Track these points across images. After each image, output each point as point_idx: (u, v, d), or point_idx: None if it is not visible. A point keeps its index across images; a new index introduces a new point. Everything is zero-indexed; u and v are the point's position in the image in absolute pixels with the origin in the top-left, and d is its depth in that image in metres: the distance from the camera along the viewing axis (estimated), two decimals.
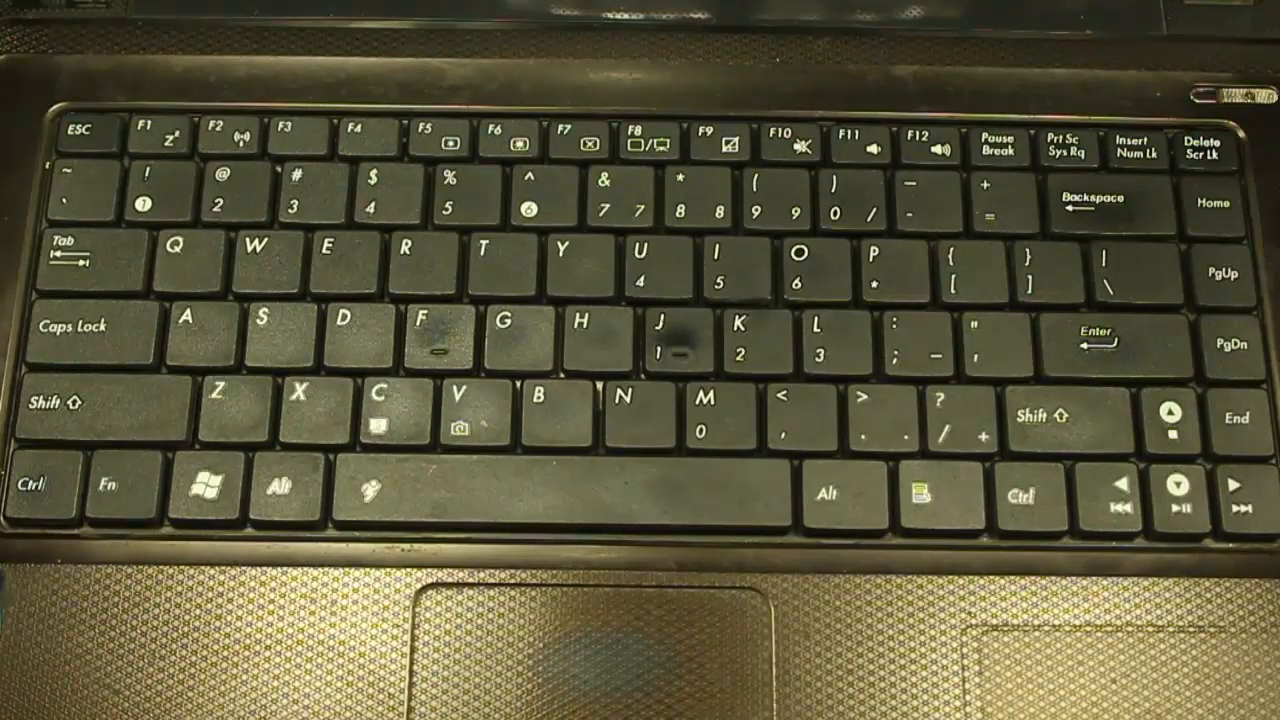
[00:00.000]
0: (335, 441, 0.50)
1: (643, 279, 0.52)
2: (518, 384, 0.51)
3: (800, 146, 0.54)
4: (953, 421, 0.50)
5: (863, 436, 0.50)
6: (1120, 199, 0.53)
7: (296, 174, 0.53)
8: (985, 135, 0.54)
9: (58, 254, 0.52)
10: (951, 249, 0.52)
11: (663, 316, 0.51)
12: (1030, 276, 0.52)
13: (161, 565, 0.49)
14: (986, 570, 0.49)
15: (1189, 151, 0.54)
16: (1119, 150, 0.54)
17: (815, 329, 0.51)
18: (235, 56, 0.55)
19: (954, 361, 0.51)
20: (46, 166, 0.53)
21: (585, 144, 0.54)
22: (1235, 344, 0.51)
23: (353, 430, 0.50)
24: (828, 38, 0.56)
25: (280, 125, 0.54)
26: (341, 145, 0.54)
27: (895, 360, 0.51)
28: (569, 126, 0.54)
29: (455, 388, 0.50)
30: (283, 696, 0.48)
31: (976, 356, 0.51)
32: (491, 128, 0.54)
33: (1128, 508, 0.50)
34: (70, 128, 0.54)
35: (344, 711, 0.48)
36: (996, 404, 0.51)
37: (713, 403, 0.50)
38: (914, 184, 0.53)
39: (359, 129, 0.54)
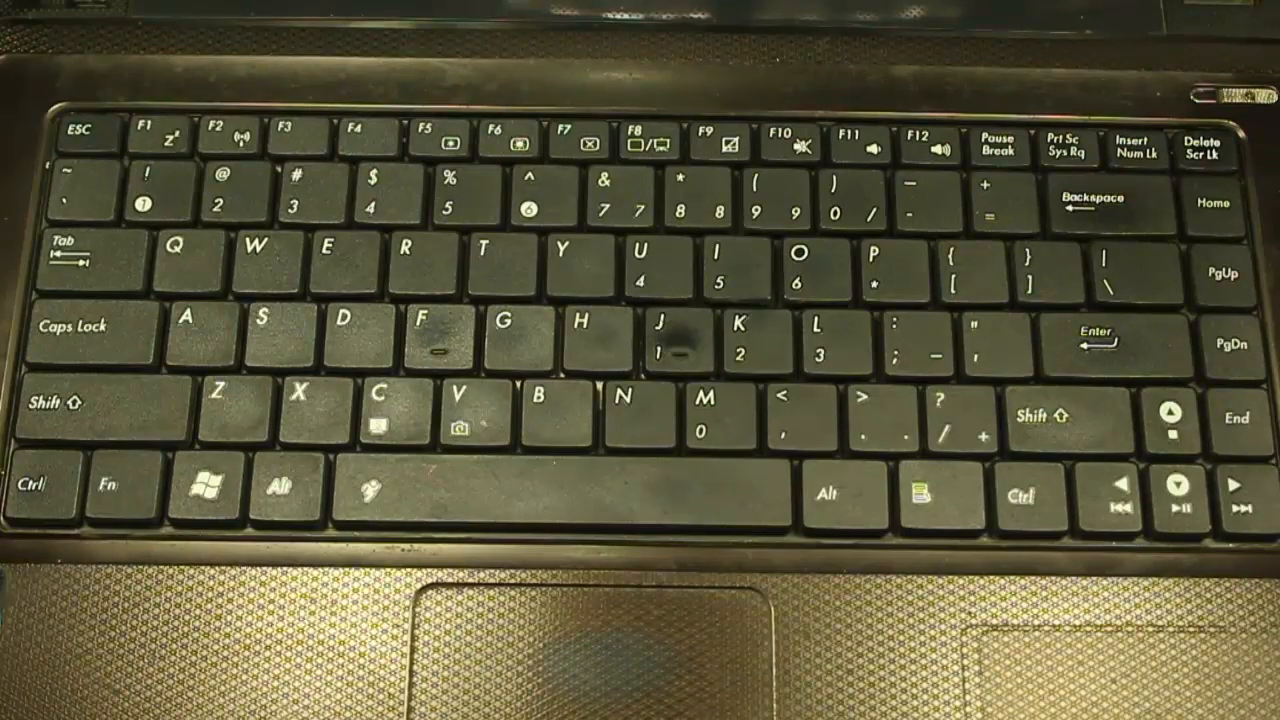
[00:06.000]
0: (335, 441, 0.50)
1: (643, 279, 0.52)
2: (518, 384, 0.51)
3: (800, 146, 0.54)
4: (953, 421, 0.50)
5: (863, 436, 0.50)
6: (1120, 199, 0.53)
7: (296, 174, 0.53)
8: (985, 135, 0.54)
9: (58, 254, 0.52)
10: (951, 249, 0.52)
11: (663, 316, 0.51)
12: (1030, 276, 0.52)
13: (161, 565, 0.49)
14: (986, 570, 0.49)
15: (1189, 151, 0.54)
16: (1119, 150, 0.54)
17: (815, 329, 0.51)
18: (235, 56, 0.55)
19: (954, 361, 0.51)
20: (46, 166, 0.53)
21: (585, 144, 0.54)
22: (1235, 344, 0.51)
23: (353, 430, 0.50)
24: (828, 38, 0.56)
25: (280, 125, 0.54)
26: (341, 145, 0.54)
27: (895, 360, 0.51)
28: (569, 126, 0.54)
29: (455, 388, 0.50)
30: (283, 696, 0.48)
31: (976, 356, 0.51)
32: (491, 128, 0.54)
33: (1128, 508, 0.50)
34: (70, 128, 0.54)
35: (344, 711, 0.48)
36: (996, 404, 0.51)
37: (713, 403, 0.50)
38: (914, 184, 0.53)
39: (359, 129, 0.54)
